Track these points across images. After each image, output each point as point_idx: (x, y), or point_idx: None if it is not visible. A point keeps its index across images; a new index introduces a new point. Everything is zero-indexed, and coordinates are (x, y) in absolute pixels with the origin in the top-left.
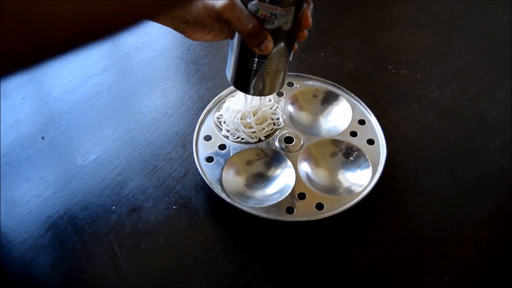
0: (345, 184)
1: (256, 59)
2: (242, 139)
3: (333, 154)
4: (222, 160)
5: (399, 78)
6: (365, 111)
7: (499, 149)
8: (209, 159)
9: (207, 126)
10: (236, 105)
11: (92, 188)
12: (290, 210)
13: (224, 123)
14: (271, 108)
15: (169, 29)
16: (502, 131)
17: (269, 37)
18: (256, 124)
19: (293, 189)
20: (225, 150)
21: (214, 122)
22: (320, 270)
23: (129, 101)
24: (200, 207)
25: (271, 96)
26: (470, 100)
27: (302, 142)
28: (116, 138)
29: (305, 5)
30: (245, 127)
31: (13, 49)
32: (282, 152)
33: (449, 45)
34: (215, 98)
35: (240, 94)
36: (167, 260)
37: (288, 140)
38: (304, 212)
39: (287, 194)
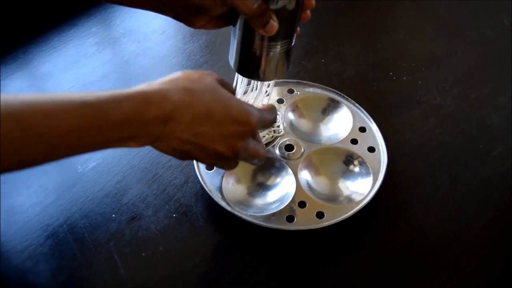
0: (346, 192)
1: (260, 42)
2: None
3: (334, 162)
4: None
5: (400, 84)
6: (366, 118)
7: (501, 156)
8: (209, 167)
9: None
10: None
11: (92, 196)
12: (290, 219)
13: None
14: None
15: (169, 35)
16: (504, 138)
17: (274, 17)
18: None
19: (293, 197)
20: None
21: None
22: (321, 279)
23: None
24: (200, 215)
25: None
26: (472, 107)
27: (302, 150)
28: None
29: None
30: None
31: None
32: (283, 160)
33: (451, 51)
34: None
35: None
36: (166, 268)
37: (289, 147)
38: (305, 221)
39: (287, 203)
